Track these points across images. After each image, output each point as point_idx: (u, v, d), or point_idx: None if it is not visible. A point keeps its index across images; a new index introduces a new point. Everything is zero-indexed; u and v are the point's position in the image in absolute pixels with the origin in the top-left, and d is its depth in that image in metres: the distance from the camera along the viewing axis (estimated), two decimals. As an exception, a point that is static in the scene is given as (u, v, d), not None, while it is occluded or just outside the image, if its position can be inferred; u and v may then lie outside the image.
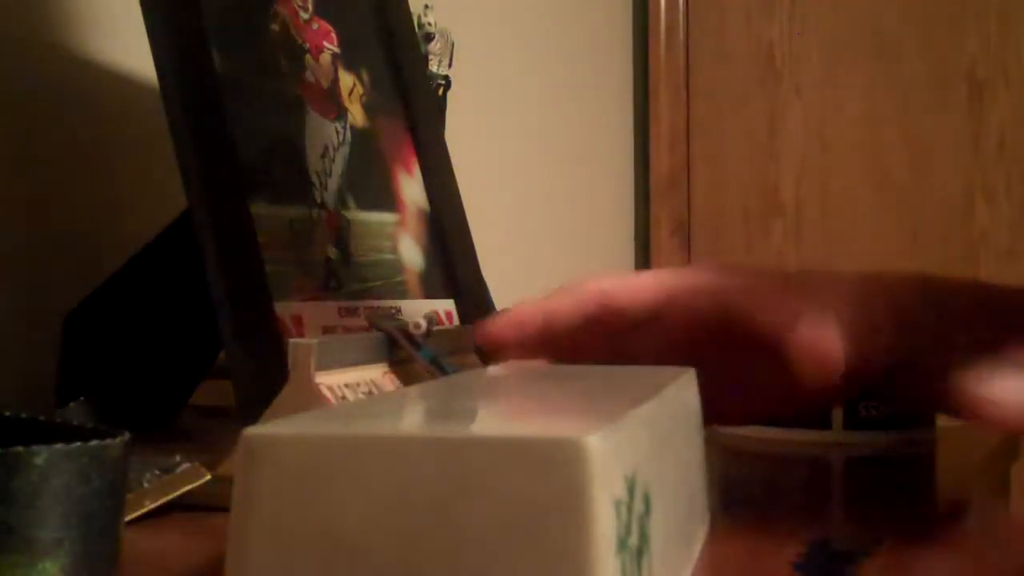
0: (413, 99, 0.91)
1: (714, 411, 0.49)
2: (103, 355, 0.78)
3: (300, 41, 0.78)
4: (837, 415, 0.73)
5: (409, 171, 0.89)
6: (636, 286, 0.50)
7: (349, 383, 0.56)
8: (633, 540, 0.28)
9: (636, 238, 2.17)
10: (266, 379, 0.59)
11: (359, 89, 0.84)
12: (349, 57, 0.83)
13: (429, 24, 1.09)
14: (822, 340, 0.48)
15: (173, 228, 0.77)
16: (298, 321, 0.67)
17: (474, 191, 1.02)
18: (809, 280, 0.52)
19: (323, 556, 0.26)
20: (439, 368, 0.61)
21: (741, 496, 0.59)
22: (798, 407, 0.53)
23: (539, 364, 0.52)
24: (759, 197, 2.15)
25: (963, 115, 2.03)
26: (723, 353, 0.52)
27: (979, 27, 2.01)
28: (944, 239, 2.03)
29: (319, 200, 0.75)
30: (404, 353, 0.62)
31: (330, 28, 0.82)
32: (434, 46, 1.10)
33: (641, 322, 0.50)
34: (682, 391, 0.42)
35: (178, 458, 0.53)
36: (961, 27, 2.02)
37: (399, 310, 0.78)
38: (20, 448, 0.31)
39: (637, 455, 0.30)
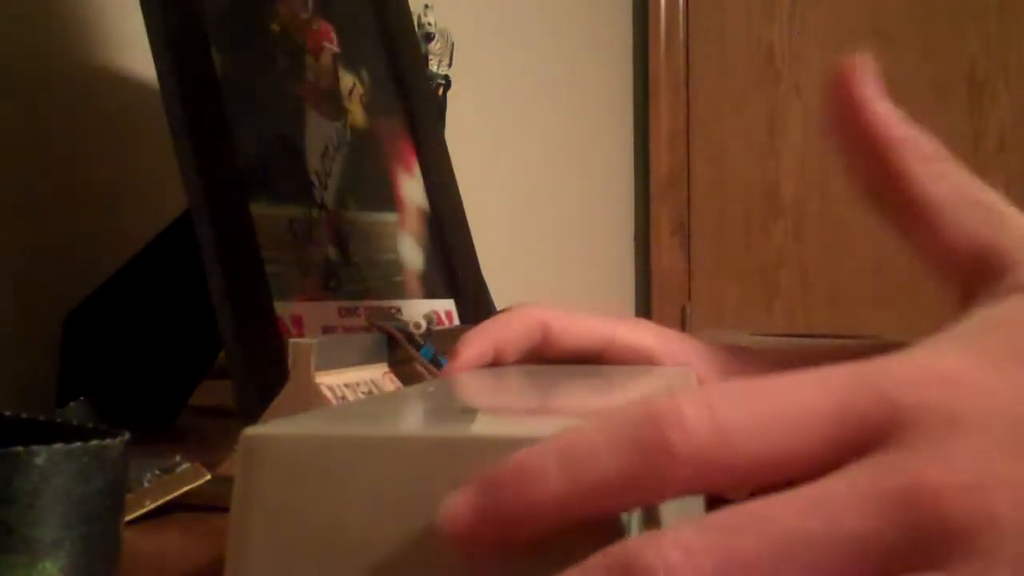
0: (413, 99, 0.91)
1: None
2: (103, 355, 0.78)
3: (300, 41, 0.78)
4: None
5: (409, 171, 0.89)
6: (578, 325, 0.50)
7: (349, 383, 0.56)
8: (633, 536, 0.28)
9: (636, 238, 2.17)
10: (266, 379, 0.59)
11: (359, 89, 0.84)
12: (349, 57, 0.83)
13: (429, 24, 1.09)
14: None
15: (173, 228, 0.77)
16: (298, 321, 0.67)
17: (474, 191, 1.02)
18: (745, 356, 0.52)
19: (323, 556, 0.26)
20: (439, 368, 0.61)
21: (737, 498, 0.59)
22: None
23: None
24: (759, 197, 2.14)
25: (963, 115, 2.02)
26: None
27: (979, 27, 2.01)
28: (944, 239, 2.03)
29: (319, 200, 0.75)
30: (404, 353, 0.62)
31: (330, 28, 0.82)
32: (434, 46, 1.10)
33: (576, 359, 0.50)
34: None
35: (178, 458, 0.53)
36: (961, 27, 2.01)
37: (399, 310, 0.78)
38: (20, 448, 0.31)
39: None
